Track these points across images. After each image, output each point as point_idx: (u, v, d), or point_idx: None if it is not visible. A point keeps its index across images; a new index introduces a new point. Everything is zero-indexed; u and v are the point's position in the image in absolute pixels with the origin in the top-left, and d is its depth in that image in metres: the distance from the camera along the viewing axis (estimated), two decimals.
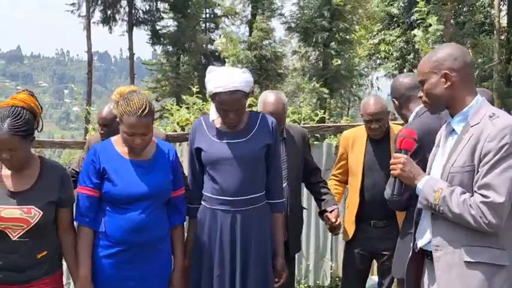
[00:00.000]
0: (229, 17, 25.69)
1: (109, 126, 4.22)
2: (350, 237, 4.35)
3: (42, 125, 3.25)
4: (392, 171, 2.87)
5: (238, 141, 3.45)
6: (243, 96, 3.39)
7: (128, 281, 3.29)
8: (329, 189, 4.33)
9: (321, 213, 4.31)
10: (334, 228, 4.24)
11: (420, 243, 2.90)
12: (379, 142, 4.30)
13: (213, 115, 3.51)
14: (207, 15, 28.94)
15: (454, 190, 2.67)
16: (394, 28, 21.72)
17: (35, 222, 3.08)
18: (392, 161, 2.87)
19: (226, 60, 19.75)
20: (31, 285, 3.17)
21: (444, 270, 2.72)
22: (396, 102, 3.90)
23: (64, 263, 3.37)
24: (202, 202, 3.52)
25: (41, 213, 3.09)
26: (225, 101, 3.35)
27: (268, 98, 4.12)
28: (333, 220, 4.16)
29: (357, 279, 4.45)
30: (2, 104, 3.11)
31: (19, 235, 3.08)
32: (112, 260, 3.28)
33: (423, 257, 2.94)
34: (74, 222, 3.33)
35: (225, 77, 3.36)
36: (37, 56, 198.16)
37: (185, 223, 3.60)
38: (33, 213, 3.08)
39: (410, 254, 2.98)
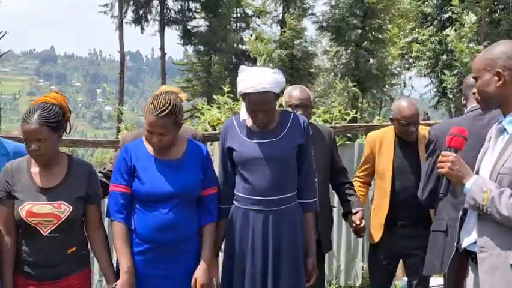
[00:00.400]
0: (260, 17, 25.64)
1: None
2: (377, 240, 4.32)
3: (71, 128, 3.34)
4: (439, 169, 2.81)
5: (269, 141, 3.44)
6: (273, 96, 3.38)
7: (155, 279, 3.31)
8: (354, 191, 4.30)
9: (345, 214, 4.31)
10: (358, 231, 4.22)
11: (464, 243, 2.82)
12: (407, 144, 4.27)
13: (244, 115, 3.51)
14: (238, 14, 28.98)
15: (503, 191, 2.58)
16: (427, 27, 21.47)
17: (65, 217, 3.15)
18: (440, 158, 2.81)
19: (257, 59, 19.72)
20: (61, 281, 3.24)
21: (488, 272, 2.64)
22: (462, 100, 3.89)
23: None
24: (234, 202, 3.51)
25: (71, 208, 3.16)
26: (254, 102, 3.35)
27: (293, 91, 4.16)
28: (358, 222, 4.14)
29: (385, 279, 4.44)
30: (35, 101, 3.23)
31: (50, 230, 3.15)
32: (140, 257, 3.30)
33: (466, 258, 2.86)
34: (106, 219, 3.37)
35: (256, 77, 3.35)
36: (70, 56, 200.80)
37: None
38: (64, 208, 3.15)
39: (453, 254, 2.91)
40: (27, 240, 3.20)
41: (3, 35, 26.01)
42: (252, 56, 22.26)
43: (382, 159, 4.32)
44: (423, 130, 4.27)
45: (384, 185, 4.29)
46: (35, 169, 3.22)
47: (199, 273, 3.35)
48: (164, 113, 3.18)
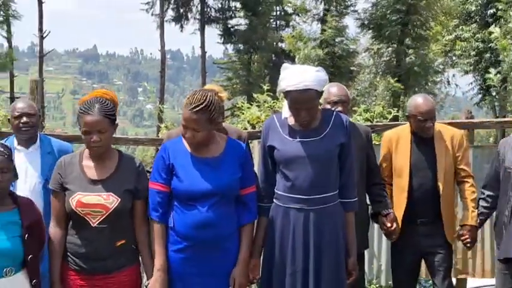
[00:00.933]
0: (300, 15, 25.55)
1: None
2: (398, 236, 4.28)
3: (117, 125, 3.42)
4: None
5: (311, 140, 3.42)
6: (315, 95, 3.36)
7: (194, 277, 3.32)
8: (386, 193, 4.30)
9: (374, 215, 4.32)
10: (390, 234, 4.24)
11: None
12: (424, 141, 4.27)
13: (286, 113, 3.49)
14: (278, 12, 28.93)
15: None
16: (471, 24, 21.09)
17: (114, 208, 3.24)
18: None
19: (296, 57, 19.67)
20: (112, 276, 3.30)
21: None
22: None
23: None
24: (275, 200, 3.50)
25: (119, 199, 3.25)
26: (296, 100, 3.33)
27: (331, 88, 4.17)
28: (389, 225, 4.17)
29: (409, 279, 4.41)
30: (84, 97, 3.39)
31: (98, 221, 3.24)
32: (179, 255, 3.32)
33: None
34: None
35: (298, 75, 3.34)
36: (112, 55, 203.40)
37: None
38: (112, 200, 3.25)
39: None
40: (77, 232, 3.30)
41: (47, 34, 26.54)
42: (291, 55, 22.21)
43: (399, 156, 4.32)
44: (438, 126, 4.31)
45: (401, 182, 4.28)
46: (86, 162, 3.34)
47: (237, 273, 3.35)
48: (198, 108, 3.20)
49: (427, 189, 4.22)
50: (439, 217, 4.22)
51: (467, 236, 4.22)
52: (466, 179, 4.29)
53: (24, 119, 4.04)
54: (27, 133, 4.06)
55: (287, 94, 3.37)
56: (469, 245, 4.27)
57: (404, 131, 4.39)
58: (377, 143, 5.12)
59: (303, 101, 3.32)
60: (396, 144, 4.34)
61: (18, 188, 3.79)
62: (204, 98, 3.23)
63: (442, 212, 4.22)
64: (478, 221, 4.26)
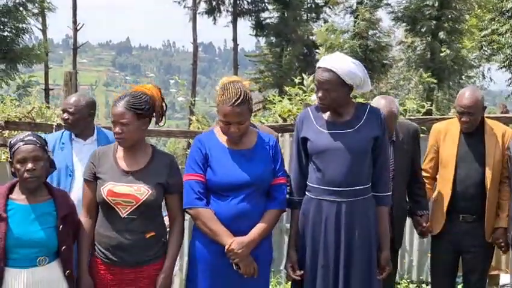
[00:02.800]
0: (331, 7, 25.36)
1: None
2: (438, 231, 4.27)
3: (165, 121, 3.53)
4: None
5: (345, 132, 3.43)
6: (336, 80, 3.36)
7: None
8: (425, 191, 4.30)
9: (409, 212, 4.34)
10: (424, 233, 4.29)
11: None
12: (473, 134, 4.21)
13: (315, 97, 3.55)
14: (309, 5, 28.76)
15: None
16: (508, 18, 20.68)
17: (144, 199, 3.27)
18: None
19: (322, 50, 19.50)
20: (142, 269, 3.33)
21: None
22: None
23: None
24: (307, 193, 3.51)
25: (150, 191, 3.29)
26: (318, 78, 3.39)
27: (379, 103, 4.08)
28: (424, 225, 4.21)
29: (447, 275, 4.36)
30: (131, 90, 3.45)
31: (128, 212, 3.28)
32: (215, 247, 3.33)
33: None
34: (189, 210, 3.38)
35: (328, 57, 3.45)
36: (145, 47, 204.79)
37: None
38: (143, 191, 3.28)
39: None
40: (107, 223, 3.33)
41: (81, 26, 26.81)
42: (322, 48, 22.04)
43: (446, 147, 4.28)
44: (490, 122, 4.27)
45: (447, 173, 4.25)
46: (120, 154, 3.40)
47: (238, 241, 3.29)
48: (239, 101, 3.25)
49: (473, 183, 4.16)
50: (482, 215, 4.16)
51: (500, 240, 4.15)
52: (507, 180, 4.18)
53: (65, 115, 4.22)
54: (68, 127, 4.25)
55: (315, 73, 3.46)
56: (503, 248, 4.19)
57: (454, 123, 4.34)
58: None
59: (323, 80, 3.37)
60: (444, 136, 4.31)
61: (77, 179, 3.96)
62: (239, 90, 3.28)
63: (487, 209, 4.14)
64: None
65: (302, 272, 3.49)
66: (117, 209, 3.28)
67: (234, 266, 3.30)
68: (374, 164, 3.49)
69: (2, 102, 7.01)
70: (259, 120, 7.45)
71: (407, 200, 4.36)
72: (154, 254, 3.36)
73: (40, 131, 5.87)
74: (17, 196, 3.25)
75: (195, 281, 3.39)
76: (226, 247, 3.25)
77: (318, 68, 3.41)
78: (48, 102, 14.18)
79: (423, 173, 4.43)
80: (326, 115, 3.50)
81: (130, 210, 3.28)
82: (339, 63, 3.37)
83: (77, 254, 3.38)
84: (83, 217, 3.40)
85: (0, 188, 3.28)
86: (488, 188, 4.14)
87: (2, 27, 14.98)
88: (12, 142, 3.24)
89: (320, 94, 3.40)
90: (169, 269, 3.38)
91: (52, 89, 24.67)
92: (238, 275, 3.31)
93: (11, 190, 3.27)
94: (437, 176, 4.39)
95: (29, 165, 3.17)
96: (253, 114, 3.98)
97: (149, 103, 3.36)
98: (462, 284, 4.39)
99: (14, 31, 15.41)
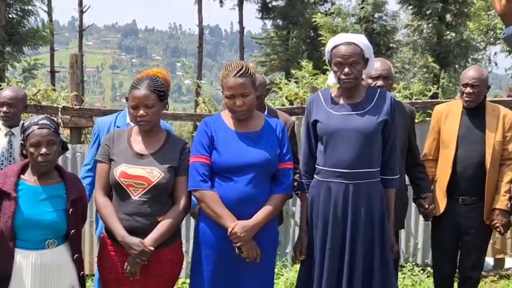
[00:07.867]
0: None
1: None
2: (442, 211, 4.29)
3: (168, 106, 3.53)
4: None
5: (354, 113, 3.46)
6: (360, 52, 3.41)
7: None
8: (426, 174, 4.31)
9: (415, 198, 4.34)
10: (427, 215, 4.29)
11: None
12: (475, 115, 4.25)
13: (331, 79, 3.59)
14: None
15: None
16: None
17: (156, 181, 3.28)
18: None
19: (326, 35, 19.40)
20: (152, 253, 3.26)
21: None
22: None
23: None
24: (316, 175, 3.54)
25: (162, 174, 3.30)
26: (342, 53, 3.40)
27: (374, 63, 4.06)
28: (426, 206, 4.22)
29: (447, 256, 4.39)
30: (138, 75, 3.47)
31: (139, 194, 3.28)
32: (221, 231, 3.32)
33: None
34: (193, 192, 3.38)
35: (345, 34, 3.51)
36: (151, 30, 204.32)
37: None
38: (155, 173, 3.30)
39: None
40: (119, 206, 3.33)
41: (87, 9, 26.75)
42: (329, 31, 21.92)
43: (448, 127, 4.32)
44: (491, 104, 4.31)
45: (447, 153, 4.28)
46: (134, 137, 3.42)
47: (240, 232, 3.27)
48: (241, 72, 3.29)
49: (473, 163, 4.19)
50: (481, 197, 4.19)
51: (496, 221, 4.17)
52: (508, 161, 4.23)
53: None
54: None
55: (333, 50, 3.45)
56: (499, 229, 4.21)
57: (455, 105, 4.39)
58: (416, 121, 5.08)
59: (349, 53, 3.39)
60: (446, 117, 4.35)
61: None
62: (240, 64, 3.35)
63: (486, 191, 4.17)
64: (510, 205, 4.20)
65: (304, 257, 3.54)
66: (129, 191, 3.29)
67: (236, 249, 3.30)
68: (383, 148, 3.51)
69: (8, 84, 7.01)
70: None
71: (410, 185, 4.37)
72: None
73: (46, 113, 5.89)
74: (28, 177, 3.27)
75: (199, 266, 3.39)
76: (229, 230, 3.25)
77: (338, 45, 3.42)
78: (54, 85, 14.17)
79: (426, 156, 4.45)
80: (336, 97, 3.54)
81: (142, 193, 3.28)
82: (357, 37, 3.46)
83: (109, 225, 3.31)
84: (101, 196, 3.38)
85: (12, 167, 3.32)
86: (488, 169, 4.17)
87: (7, 9, 14.93)
88: (25, 125, 3.25)
89: (346, 70, 3.40)
90: (150, 241, 3.24)
91: (58, 71, 24.66)
92: (241, 259, 3.32)
93: (23, 171, 3.29)
94: (439, 156, 4.40)
95: (43, 150, 3.18)
96: (261, 94, 4.03)
97: (165, 86, 3.41)
98: (459, 265, 4.40)
99: (19, 13, 15.34)
